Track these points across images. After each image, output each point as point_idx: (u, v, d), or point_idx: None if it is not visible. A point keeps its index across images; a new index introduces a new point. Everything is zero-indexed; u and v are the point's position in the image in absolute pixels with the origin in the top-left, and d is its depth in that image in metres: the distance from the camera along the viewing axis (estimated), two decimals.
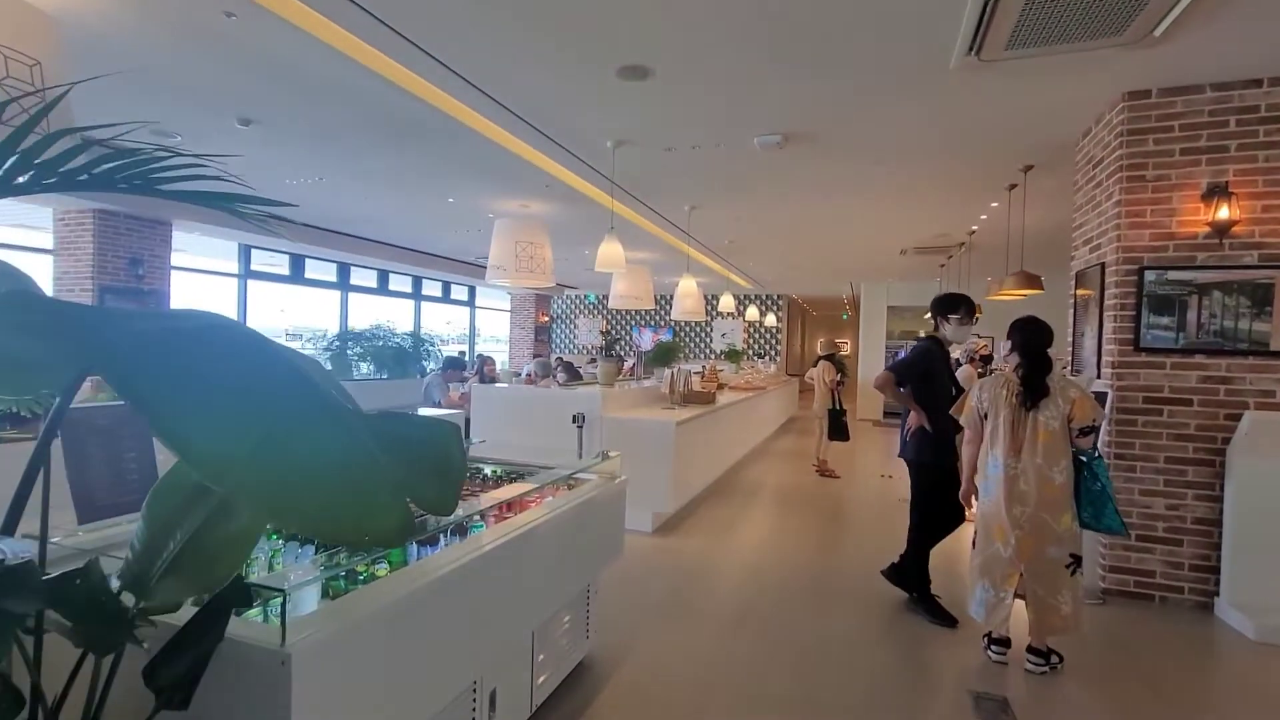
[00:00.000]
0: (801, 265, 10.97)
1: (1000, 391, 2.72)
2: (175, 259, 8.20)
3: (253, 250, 9.74)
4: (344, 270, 11.43)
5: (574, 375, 6.91)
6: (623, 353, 13.96)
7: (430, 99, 4.10)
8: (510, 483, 2.70)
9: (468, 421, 5.31)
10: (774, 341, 16.34)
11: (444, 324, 13.69)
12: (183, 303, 8.22)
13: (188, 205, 4.93)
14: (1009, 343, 2.84)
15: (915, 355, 3.61)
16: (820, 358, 7.21)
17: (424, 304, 13.76)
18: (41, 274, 7.39)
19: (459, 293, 15.07)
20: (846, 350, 24.23)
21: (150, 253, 7.54)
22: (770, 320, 13.76)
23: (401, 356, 2.91)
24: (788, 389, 11.98)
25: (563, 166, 5.52)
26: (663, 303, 16.95)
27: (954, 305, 3.46)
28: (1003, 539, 2.60)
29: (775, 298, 16.14)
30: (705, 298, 16.85)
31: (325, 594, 1.68)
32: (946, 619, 3.34)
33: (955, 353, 5.63)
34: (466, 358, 12.59)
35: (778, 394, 10.36)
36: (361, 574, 1.73)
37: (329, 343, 2.87)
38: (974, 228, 7.43)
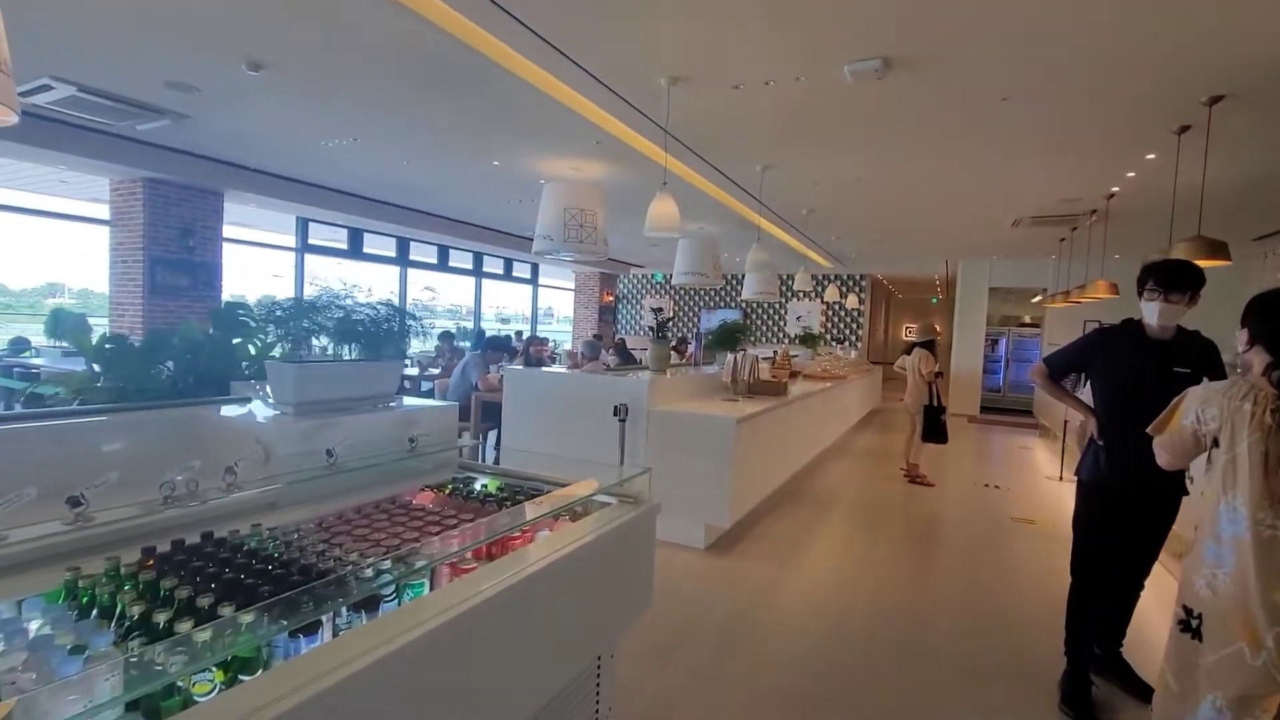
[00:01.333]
0: (891, 240, 9.73)
1: (1240, 406, 1.72)
2: (231, 231, 8.05)
3: (310, 224, 9.56)
4: (403, 245, 11.17)
5: (627, 359, 6.18)
6: (686, 334, 13.12)
7: (458, 31, 3.41)
8: (501, 506, 2.00)
9: (499, 409, 4.69)
10: (855, 326, 15.02)
11: (423, 290, 12.33)
12: (234, 275, 8.08)
13: (238, 173, 4.59)
14: (1244, 333, 1.84)
15: (1078, 339, 2.68)
16: (914, 344, 6.13)
17: (485, 281, 13.43)
18: (101, 245, 7.37)
19: (521, 270, 14.67)
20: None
21: (201, 223, 7.37)
22: (852, 302, 12.53)
23: (375, 335, 2.20)
24: (870, 379, 10.80)
25: (613, 117, 4.75)
26: (732, 282, 15.94)
27: (1142, 277, 2.46)
28: (1251, 638, 1.64)
29: (857, 278, 14.79)
30: (779, 277, 15.75)
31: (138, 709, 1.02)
32: (1081, 710, 2.41)
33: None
34: (525, 337, 12.13)
35: (859, 384, 9.26)
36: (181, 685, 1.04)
37: (268, 311, 2.24)
38: (1115, 189, 6.09)
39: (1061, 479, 6.53)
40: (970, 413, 11.94)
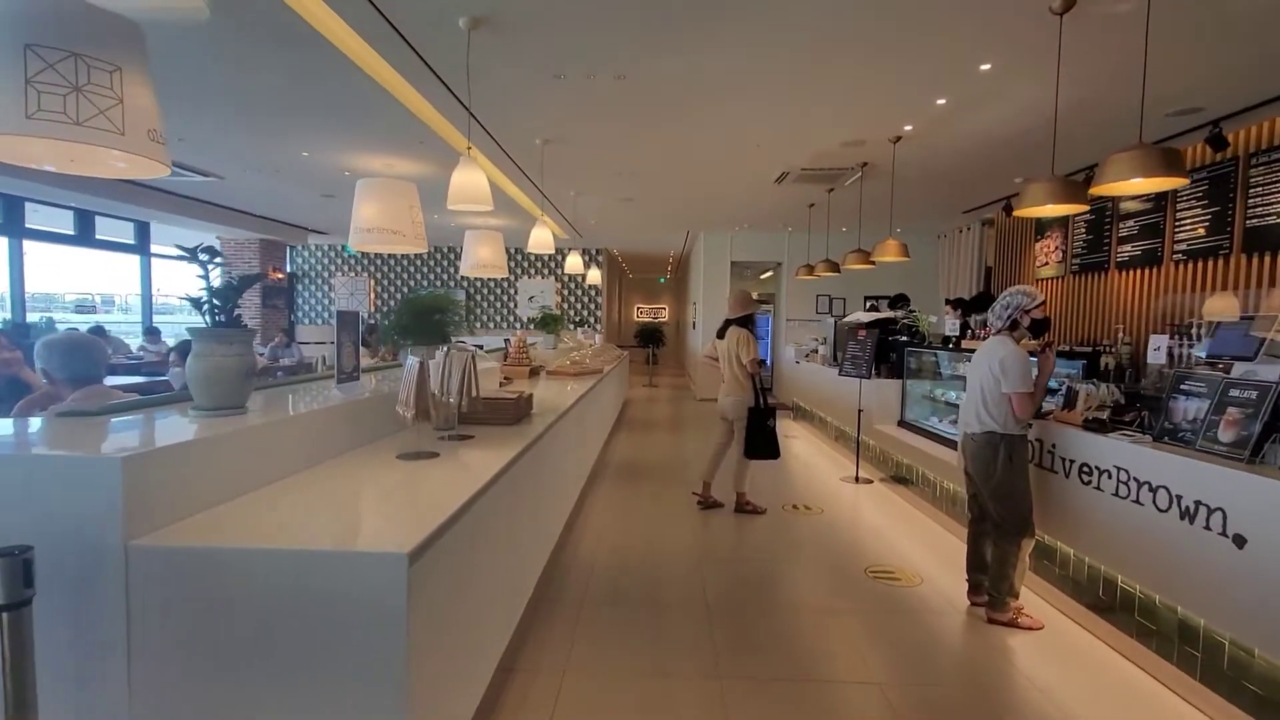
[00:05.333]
0: (641, 199, 8.03)
1: None
2: None
3: None
4: None
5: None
6: (376, 320, 9.81)
7: None
8: None
9: None
10: (594, 306, 13.41)
11: None
12: None
13: None
14: None
15: None
16: (730, 323, 4.29)
17: (29, 244, 8.29)
18: None
19: (116, 229, 9.63)
20: (664, 317, 22.21)
21: None
22: (592, 277, 10.72)
23: None
24: (622, 369, 9.12)
25: None
26: (449, 257, 13.05)
27: None
28: None
29: (595, 253, 13.16)
30: (508, 251, 13.29)
31: None
32: None
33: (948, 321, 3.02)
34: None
35: (615, 378, 7.40)
36: None
37: None
38: (908, 127, 5.03)
39: (858, 481, 5.45)
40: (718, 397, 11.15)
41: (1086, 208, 3.25)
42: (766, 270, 12.90)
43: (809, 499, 4.87)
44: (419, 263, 13.28)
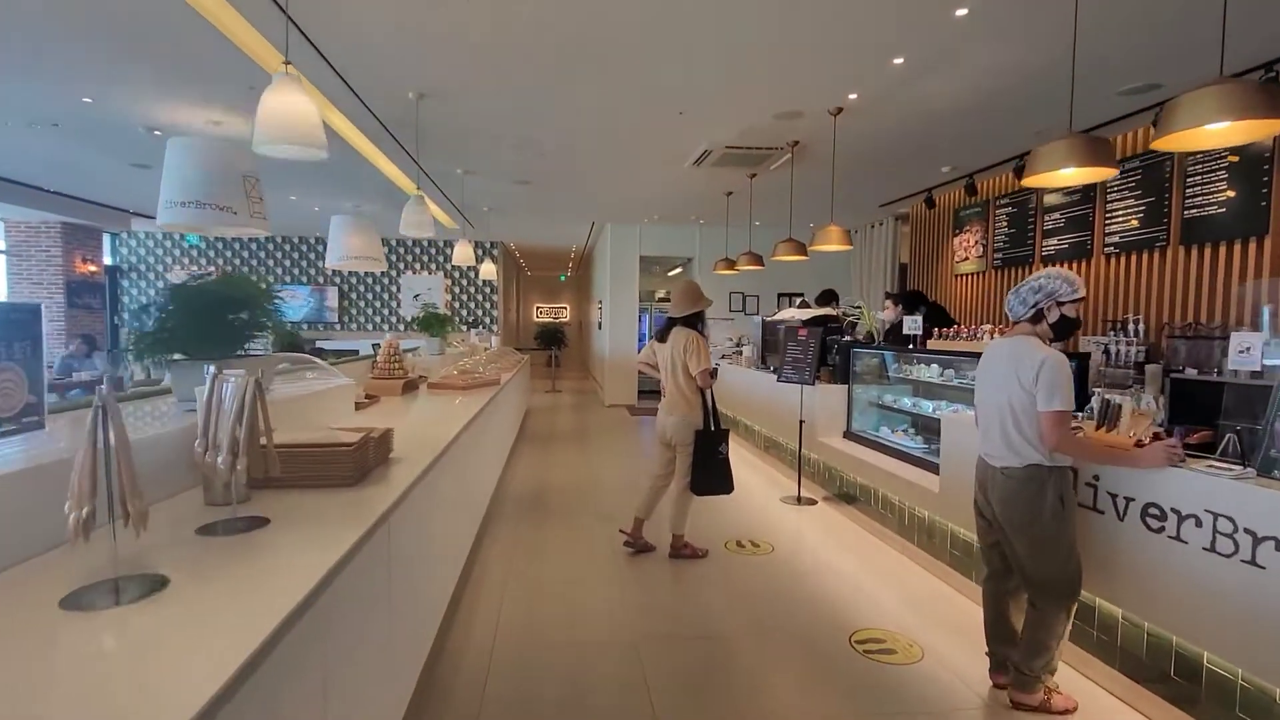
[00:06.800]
0: (541, 181, 6.98)
1: None
2: None
3: None
4: None
5: None
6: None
7: None
8: None
9: None
10: (488, 304, 12.14)
11: None
12: None
13: None
14: None
15: None
16: (674, 321, 3.33)
17: None
18: None
19: None
20: (565, 317, 21.03)
21: None
22: (486, 271, 9.50)
23: None
24: (523, 375, 8.02)
25: None
26: (316, 248, 11.28)
27: None
28: None
29: (489, 245, 11.91)
30: (388, 243, 11.67)
31: None
32: None
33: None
34: None
35: (514, 388, 6.33)
36: None
37: None
38: (853, 95, 4.38)
39: (800, 501, 4.77)
40: (629, 403, 10.31)
41: (1115, 171, 2.71)
42: (676, 266, 12.23)
43: (753, 531, 4.09)
44: (279, 255, 11.43)
